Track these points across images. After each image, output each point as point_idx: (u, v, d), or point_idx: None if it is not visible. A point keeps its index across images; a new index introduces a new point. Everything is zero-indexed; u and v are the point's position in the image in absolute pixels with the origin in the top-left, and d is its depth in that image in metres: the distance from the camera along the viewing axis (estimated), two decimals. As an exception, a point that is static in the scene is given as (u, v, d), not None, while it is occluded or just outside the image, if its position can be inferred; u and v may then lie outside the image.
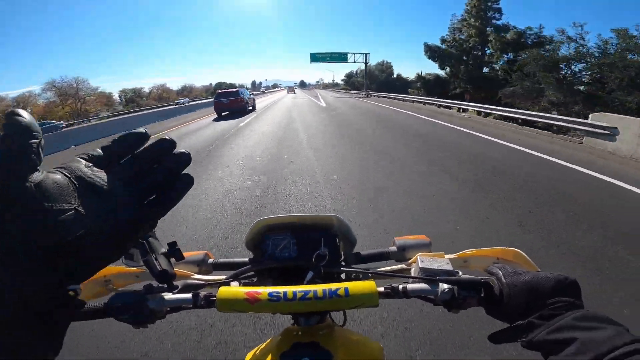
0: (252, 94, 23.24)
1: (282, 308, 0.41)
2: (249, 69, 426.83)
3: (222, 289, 0.42)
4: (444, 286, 0.44)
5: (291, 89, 78.89)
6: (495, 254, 0.55)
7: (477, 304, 0.44)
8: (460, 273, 0.46)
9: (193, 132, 11.01)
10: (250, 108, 18.31)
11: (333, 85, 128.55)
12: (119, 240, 0.29)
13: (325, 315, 0.55)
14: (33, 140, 0.26)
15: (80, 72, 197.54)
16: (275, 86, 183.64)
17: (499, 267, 0.44)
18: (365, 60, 38.70)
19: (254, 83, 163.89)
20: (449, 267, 0.47)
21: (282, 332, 0.54)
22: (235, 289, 0.42)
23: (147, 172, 0.30)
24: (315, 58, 40.22)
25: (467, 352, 1.59)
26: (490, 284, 0.42)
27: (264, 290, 0.41)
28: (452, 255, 0.54)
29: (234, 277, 0.55)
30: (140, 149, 0.30)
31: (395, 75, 52.24)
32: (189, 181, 0.32)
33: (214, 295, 0.44)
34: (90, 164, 0.29)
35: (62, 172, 0.27)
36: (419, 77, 33.15)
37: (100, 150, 0.30)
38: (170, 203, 0.31)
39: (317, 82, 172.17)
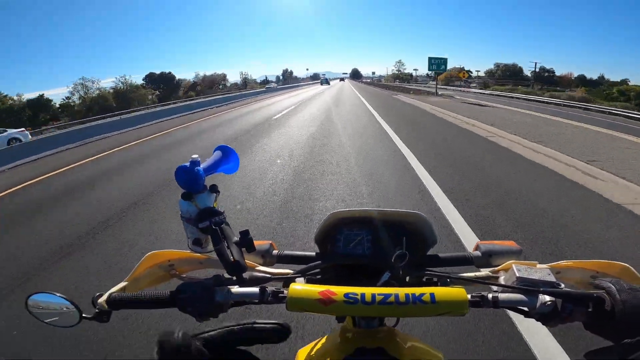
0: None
1: (358, 311, 0.38)
2: (299, 60, 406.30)
3: (294, 286, 0.40)
4: (546, 298, 0.40)
5: (342, 80, 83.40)
6: (595, 267, 0.50)
7: (582, 319, 0.40)
8: (563, 285, 0.42)
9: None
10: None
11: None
12: None
13: (384, 317, 0.50)
14: None
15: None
16: (315, 78, 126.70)
17: (612, 281, 0.40)
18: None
19: (285, 72, 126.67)
20: (552, 279, 0.42)
21: (338, 332, 0.51)
22: (308, 288, 0.40)
23: None
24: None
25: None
26: (601, 299, 0.39)
27: (340, 291, 0.38)
28: (544, 266, 0.48)
29: (302, 273, 0.52)
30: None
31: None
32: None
33: (283, 292, 0.42)
34: None
35: None
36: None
37: None
38: None
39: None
